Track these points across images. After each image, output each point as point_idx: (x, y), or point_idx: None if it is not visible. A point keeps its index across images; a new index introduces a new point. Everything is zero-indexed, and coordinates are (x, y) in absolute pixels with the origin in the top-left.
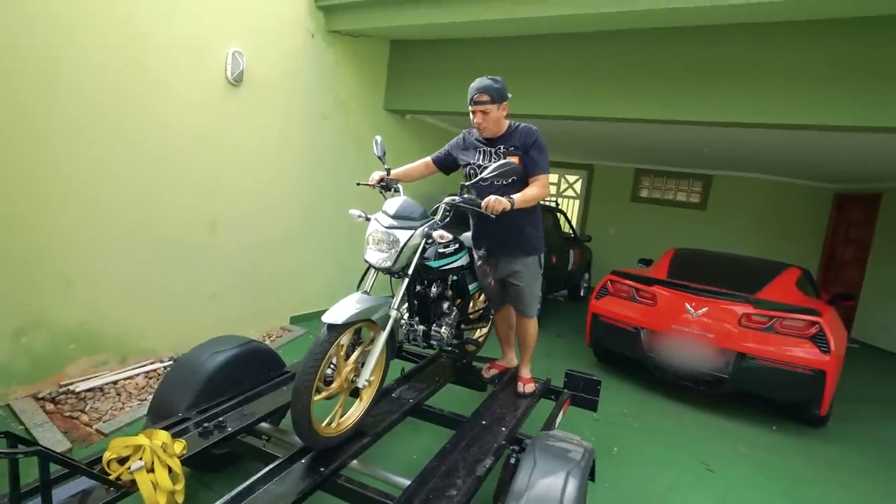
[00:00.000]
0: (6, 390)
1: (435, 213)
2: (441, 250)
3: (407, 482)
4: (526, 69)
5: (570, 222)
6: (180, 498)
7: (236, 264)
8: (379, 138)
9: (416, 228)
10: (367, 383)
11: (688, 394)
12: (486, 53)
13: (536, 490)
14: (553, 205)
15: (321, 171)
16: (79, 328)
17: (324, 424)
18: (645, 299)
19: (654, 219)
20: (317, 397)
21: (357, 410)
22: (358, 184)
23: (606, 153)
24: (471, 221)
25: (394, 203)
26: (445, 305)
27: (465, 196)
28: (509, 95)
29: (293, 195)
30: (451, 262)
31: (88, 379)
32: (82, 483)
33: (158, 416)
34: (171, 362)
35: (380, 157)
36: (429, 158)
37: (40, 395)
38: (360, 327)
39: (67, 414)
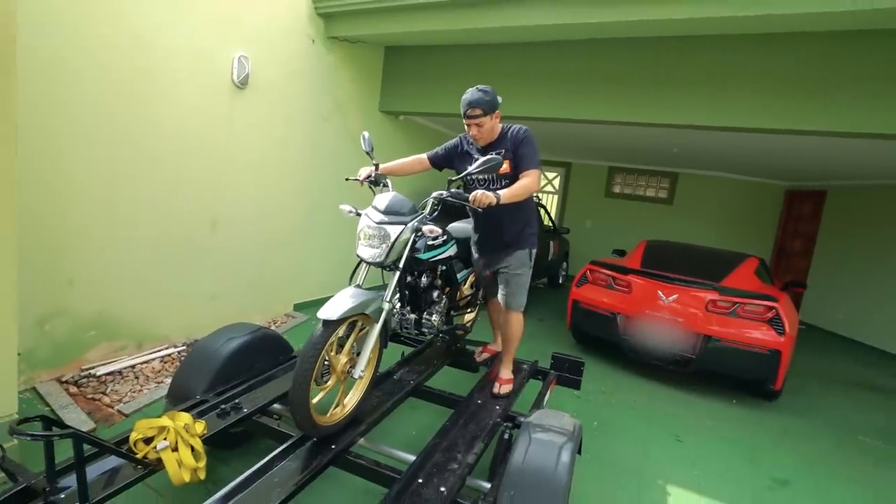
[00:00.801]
0: (32, 374)
1: (424, 207)
2: (430, 242)
3: (411, 457)
4: (510, 73)
5: (549, 216)
6: (202, 474)
7: (242, 259)
8: (366, 134)
9: (406, 223)
10: (362, 374)
11: (659, 373)
12: (472, 59)
13: (533, 463)
14: (535, 199)
15: (323, 170)
16: (97, 316)
17: (328, 414)
18: (621, 287)
19: (626, 212)
20: (315, 399)
21: (353, 398)
22: (347, 179)
23: (583, 152)
24: (471, 218)
25: (383, 199)
26: (435, 294)
27: (453, 191)
28: (499, 100)
29: (296, 192)
30: (440, 254)
31: (108, 363)
32: (112, 462)
33: (177, 398)
34: (184, 347)
35: (367, 153)
36: (424, 155)
37: (64, 379)
38: (355, 320)
39: (90, 396)
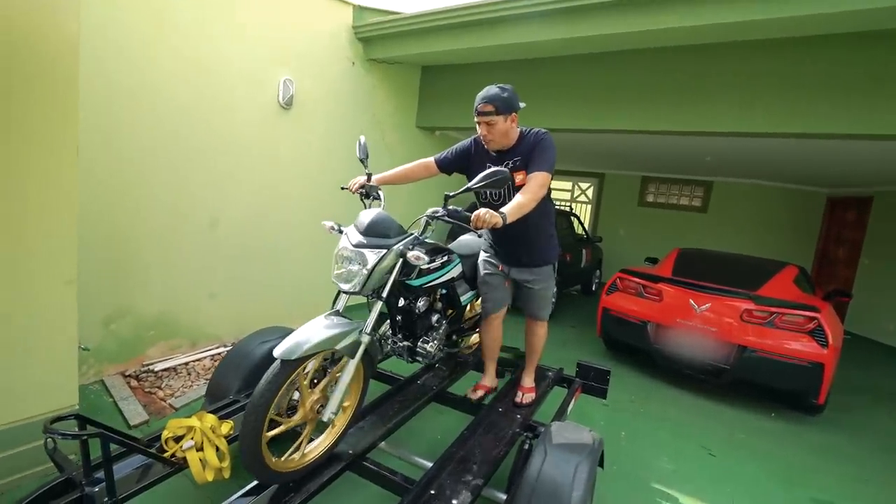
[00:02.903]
0: (101, 368)
1: (426, 226)
2: (424, 266)
3: (429, 464)
4: (542, 88)
5: (582, 225)
6: (227, 473)
7: (284, 263)
8: (362, 139)
9: (389, 247)
10: (332, 416)
11: (691, 382)
12: (505, 75)
13: (548, 478)
14: (567, 209)
15: None
16: (157, 317)
17: (283, 458)
18: (651, 295)
19: (660, 221)
20: (272, 432)
21: (325, 441)
22: (342, 188)
23: (616, 162)
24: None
25: (366, 216)
26: (434, 319)
27: (450, 208)
28: (521, 105)
29: (335, 201)
30: (438, 278)
31: (165, 360)
32: (143, 458)
33: (214, 396)
34: (232, 347)
35: (361, 160)
36: (430, 160)
37: (127, 373)
38: (332, 352)
39: (147, 390)
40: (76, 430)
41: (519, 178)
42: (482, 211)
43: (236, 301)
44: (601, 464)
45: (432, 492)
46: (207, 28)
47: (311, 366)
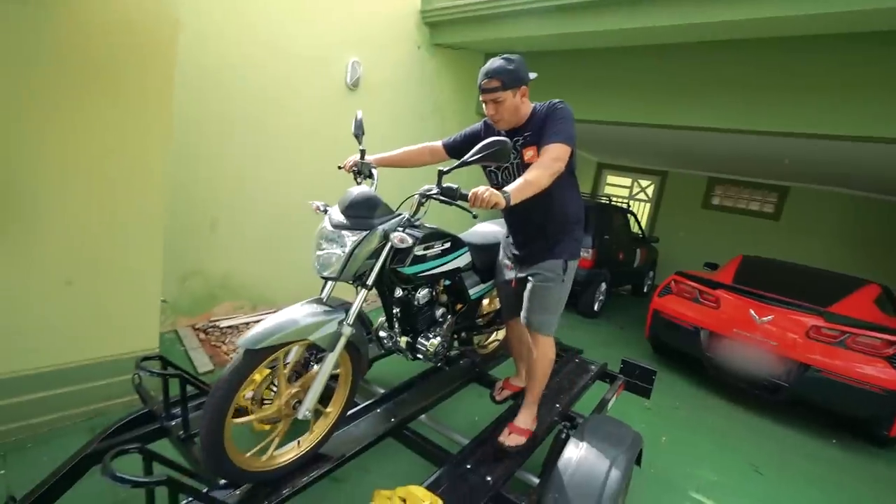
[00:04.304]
0: (175, 320)
1: (419, 206)
2: (420, 253)
3: (466, 441)
4: (608, 79)
5: (639, 223)
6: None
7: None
8: (359, 113)
9: (371, 228)
10: (308, 414)
11: (743, 396)
12: (567, 64)
13: (582, 470)
14: (625, 206)
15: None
16: (223, 278)
17: (258, 456)
18: (708, 301)
19: (725, 226)
20: (239, 420)
21: (306, 441)
22: (339, 167)
23: (681, 161)
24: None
25: (348, 195)
26: (439, 313)
27: (445, 186)
28: (531, 76)
29: (396, 182)
30: (435, 267)
31: (229, 318)
32: None
33: None
34: None
35: (356, 136)
36: (438, 143)
37: (197, 326)
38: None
39: (213, 343)
40: (160, 369)
41: (529, 154)
42: (481, 189)
43: (293, 269)
44: (638, 462)
45: (468, 466)
46: (280, 12)
47: (292, 356)
